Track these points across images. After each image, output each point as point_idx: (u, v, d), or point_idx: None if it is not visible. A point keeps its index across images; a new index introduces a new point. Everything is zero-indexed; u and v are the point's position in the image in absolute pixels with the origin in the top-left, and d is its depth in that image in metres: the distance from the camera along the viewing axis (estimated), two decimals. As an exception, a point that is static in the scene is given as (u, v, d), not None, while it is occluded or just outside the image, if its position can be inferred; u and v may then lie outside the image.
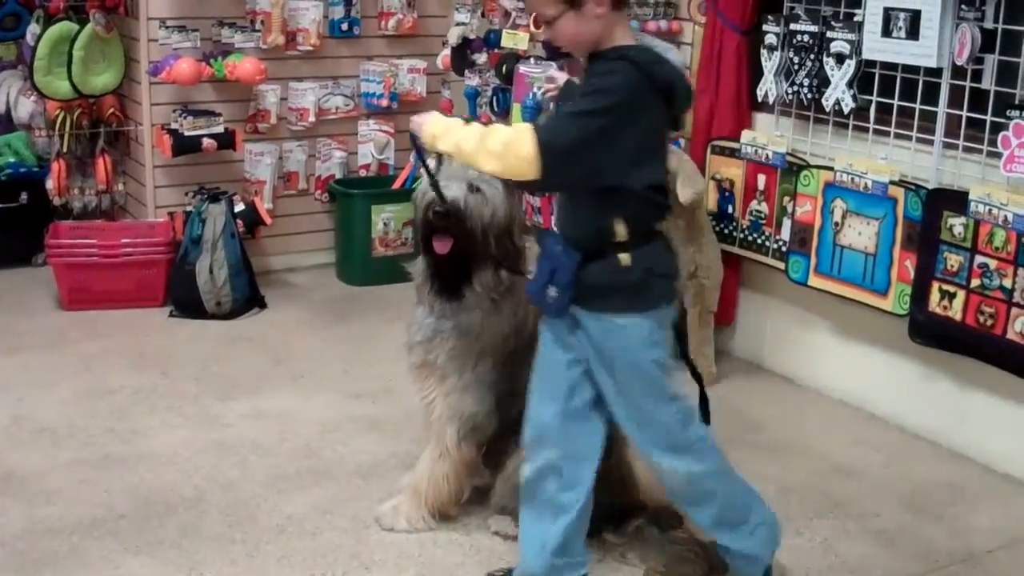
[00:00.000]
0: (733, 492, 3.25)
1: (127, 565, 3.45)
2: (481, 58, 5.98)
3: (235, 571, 3.44)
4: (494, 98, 5.89)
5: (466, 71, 6.05)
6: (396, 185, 6.28)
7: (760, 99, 4.87)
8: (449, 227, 3.41)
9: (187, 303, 5.59)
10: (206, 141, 5.84)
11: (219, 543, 3.58)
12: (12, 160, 6.24)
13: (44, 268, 5.90)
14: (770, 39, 4.74)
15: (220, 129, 5.89)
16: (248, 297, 5.72)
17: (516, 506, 3.58)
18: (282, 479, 4.00)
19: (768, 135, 4.88)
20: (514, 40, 5.59)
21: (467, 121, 3.03)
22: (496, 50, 5.84)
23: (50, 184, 6.14)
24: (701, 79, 5.06)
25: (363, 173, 6.48)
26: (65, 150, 6.17)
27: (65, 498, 3.83)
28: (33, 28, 6.08)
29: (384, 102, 6.35)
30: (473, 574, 3.47)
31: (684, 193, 4.69)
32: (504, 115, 5.79)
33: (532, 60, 5.57)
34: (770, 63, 4.75)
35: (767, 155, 4.85)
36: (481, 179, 3.42)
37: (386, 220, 6.15)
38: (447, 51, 6.10)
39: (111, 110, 6.21)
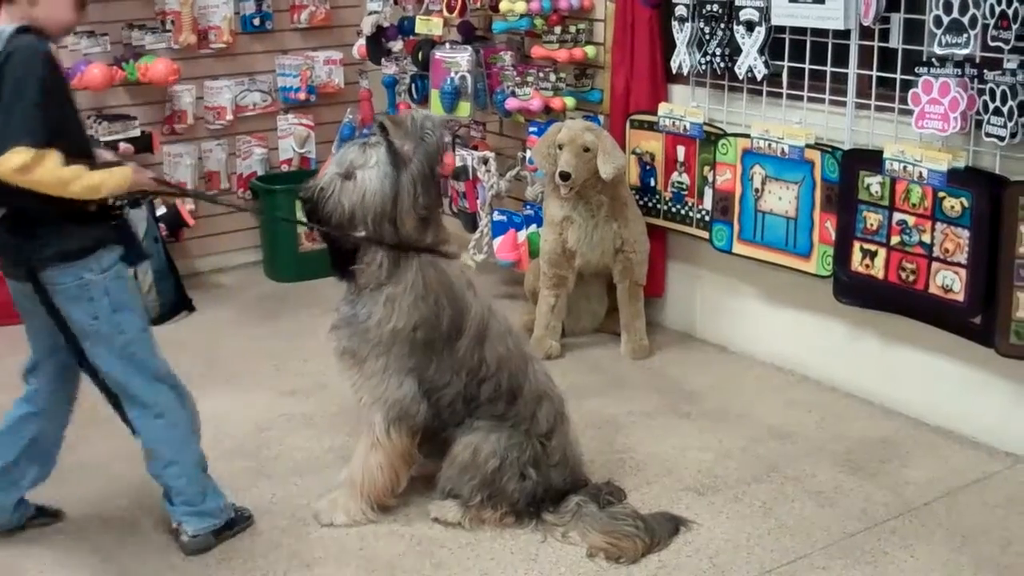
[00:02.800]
0: None
1: (58, 577, 3.42)
2: (396, 46, 5.95)
3: (174, 577, 3.43)
4: (412, 85, 5.86)
5: (382, 60, 6.01)
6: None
7: (675, 71, 4.88)
8: (311, 212, 3.56)
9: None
10: (122, 146, 5.72)
11: (157, 550, 3.55)
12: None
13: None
14: (680, 10, 4.75)
15: (136, 133, 5.80)
16: (175, 301, 5.54)
17: (462, 490, 3.61)
18: (218, 481, 3.94)
19: (685, 106, 4.90)
20: (428, 26, 5.56)
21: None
22: (411, 37, 5.81)
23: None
24: (616, 54, 5.07)
25: (285, 168, 6.42)
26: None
27: (-3, 516, 3.77)
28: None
29: (302, 95, 6.30)
30: (415, 564, 3.46)
31: (605, 169, 4.71)
32: (423, 101, 5.76)
33: (447, 45, 5.56)
34: (682, 34, 4.76)
35: (685, 126, 4.86)
36: (365, 165, 3.47)
37: (311, 214, 6.08)
38: (362, 41, 6.06)
39: (24, 120, 6.09)
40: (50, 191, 3.12)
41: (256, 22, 6.22)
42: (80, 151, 3.19)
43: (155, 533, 3.64)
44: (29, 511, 3.66)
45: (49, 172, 3.08)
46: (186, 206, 5.94)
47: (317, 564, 3.46)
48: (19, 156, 3.02)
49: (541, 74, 5.24)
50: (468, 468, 3.60)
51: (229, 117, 6.15)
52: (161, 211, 5.73)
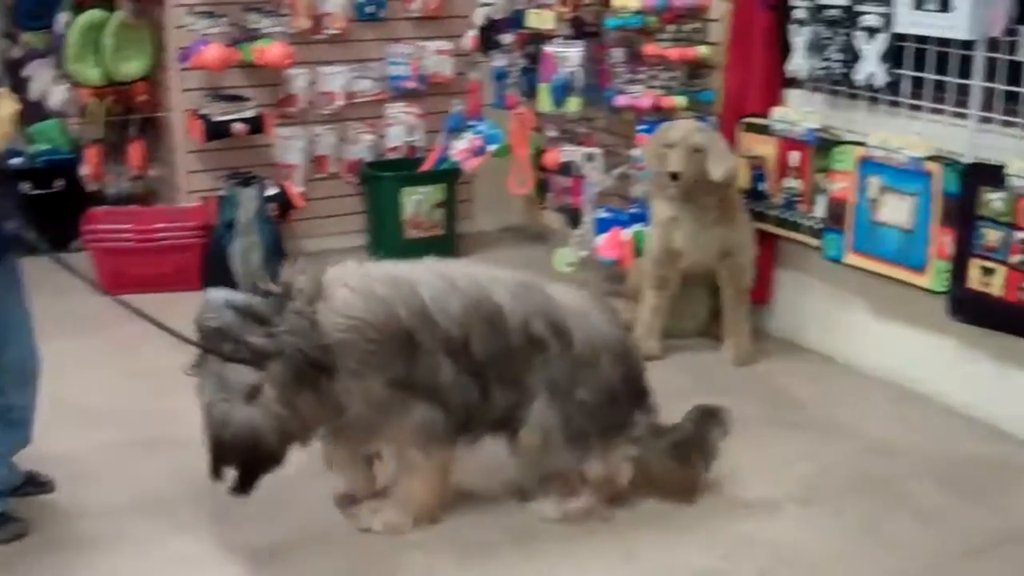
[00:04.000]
0: None
1: (173, 544, 3.51)
2: (507, 38, 5.95)
3: (274, 549, 3.48)
4: (522, 78, 5.87)
5: (493, 52, 6.03)
6: (425, 167, 6.28)
7: (790, 75, 4.82)
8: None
9: (223, 286, 5.59)
10: (237, 126, 5.85)
11: (259, 522, 3.60)
12: (47, 147, 6.28)
13: (80, 254, 5.90)
14: (799, 13, 4.69)
15: (250, 114, 5.91)
16: (283, 280, 5.72)
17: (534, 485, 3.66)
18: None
19: (799, 111, 4.83)
20: (540, 20, 5.56)
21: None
22: (522, 30, 5.81)
23: (85, 171, 6.18)
24: (730, 55, 5.03)
25: (392, 156, 6.47)
26: (99, 137, 6.20)
27: (108, 480, 3.87)
28: (64, 17, 6.10)
29: (411, 84, 6.34)
30: (509, 555, 3.48)
31: (716, 170, 4.67)
32: (531, 95, 5.77)
33: (559, 39, 5.55)
34: (800, 38, 4.70)
35: (799, 131, 4.80)
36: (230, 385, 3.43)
37: (416, 202, 6.14)
38: (473, 32, 6.08)
39: (142, 97, 6.23)
40: None
41: (370, 10, 6.28)
42: None
43: (169, 522, 3.66)
44: (18, 478, 3.66)
45: None
46: (296, 189, 6.03)
47: (407, 549, 3.50)
48: None
49: (652, 72, 5.21)
50: (547, 449, 3.57)
51: (340, 102, 6.22)
52: (271, 191, 5.84)
